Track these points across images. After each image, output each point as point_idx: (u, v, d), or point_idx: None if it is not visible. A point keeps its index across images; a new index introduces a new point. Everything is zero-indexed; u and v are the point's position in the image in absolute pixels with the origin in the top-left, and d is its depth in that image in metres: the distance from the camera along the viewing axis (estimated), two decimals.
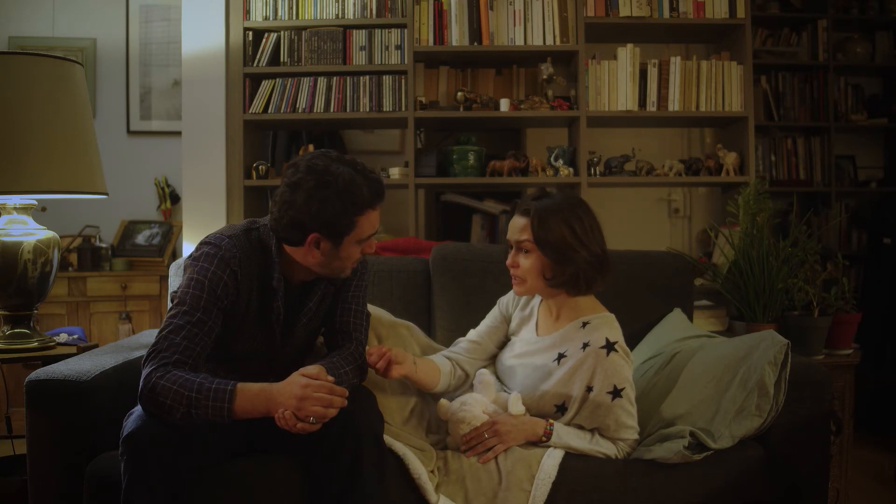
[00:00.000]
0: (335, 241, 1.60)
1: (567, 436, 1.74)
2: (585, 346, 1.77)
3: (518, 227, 1.81)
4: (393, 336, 1.98)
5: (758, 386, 1.72)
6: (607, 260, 1.81)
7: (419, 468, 1.65)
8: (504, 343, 2.00)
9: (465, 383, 1.95)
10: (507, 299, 2.02)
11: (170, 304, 1.63)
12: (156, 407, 1.46)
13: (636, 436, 1.77)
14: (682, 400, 1.82)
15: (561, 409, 1.79)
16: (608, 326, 1.80)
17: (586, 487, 1.67)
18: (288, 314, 1.70)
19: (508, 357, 1.94)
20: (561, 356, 1.81)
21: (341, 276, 1.70)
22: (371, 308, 1.94)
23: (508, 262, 1.84)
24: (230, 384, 1.48)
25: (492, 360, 2.00)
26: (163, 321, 1.59)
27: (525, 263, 1.80)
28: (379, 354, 1.70)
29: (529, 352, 1.89)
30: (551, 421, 1.76)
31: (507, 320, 2.00)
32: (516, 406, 1.76)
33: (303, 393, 1.48)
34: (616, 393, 1.73)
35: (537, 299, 1.95)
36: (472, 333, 2.01)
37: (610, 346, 1.75)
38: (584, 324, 1.82)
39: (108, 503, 1.59)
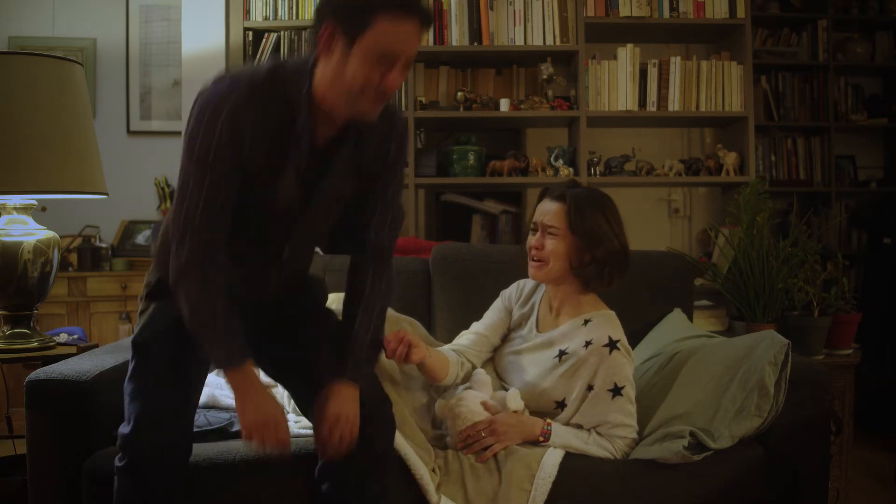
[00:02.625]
0: (348, 37, 1.34)
1: (565, 435, 1.74)
2: (588, 344, 1.77)
3: (551, 211, 1.81)
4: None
5: (758, 386, 1.72)
6: (630, 256, 1.83)
7: (421, 468, 1.65)
8: (506, 336, 2.00)
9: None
10: (509, 292, 2.03)
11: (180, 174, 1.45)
12: (181, 294, 1.42)
13: (635, 435, 1.77)
14: (681, 400, 1.82)
15: (561, 405, 1.80)
16: (610, 324, 1.81)
17: (586, 487, 1.67)
18: (309, 176, 1.48)
19: (508, 353, 1.94)
20: (562, 353, 1.81)
21: (358, 111, 1.41)
22: None
23: (533, 243, 1.83)
24: (242, 357, 1.45)
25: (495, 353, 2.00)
26: (174, 199, 1.45)
27: (551, 246, 1.80)
28: (398, 340, 1.68)
29: (529, 348, 1.89)
30: (549, 421, 1.76)
31: (509, 313, 2.00)
32: (515, 402, 1.76)
33: (265, 427, 1.45)
34: (616, 391, 1.73)
35: (538, 295, 1.96)
36: (477, 325, 2.01)
37: (612, 345, 1.75)
38: (586, 321, 1.82)
39: (107, 501, 1.59)
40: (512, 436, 1.72)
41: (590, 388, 1.75)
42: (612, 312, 1.85)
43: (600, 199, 1.84)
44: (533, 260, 1.84)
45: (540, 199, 1.88)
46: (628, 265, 1.83)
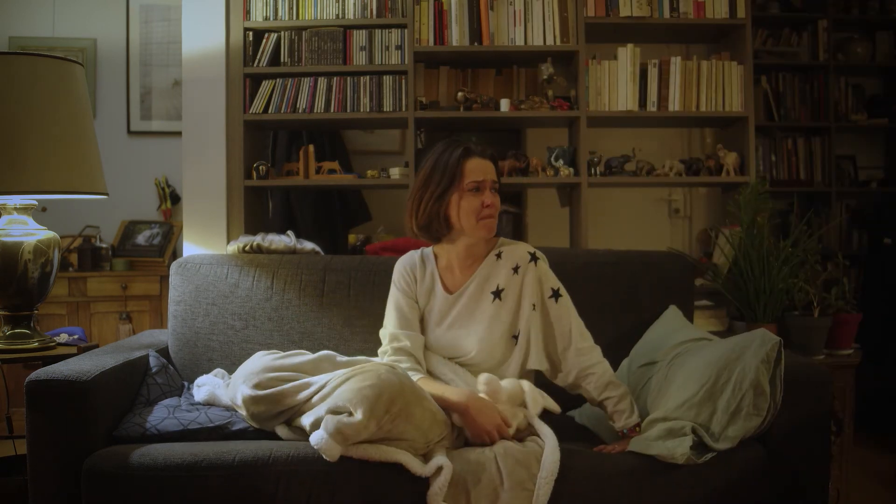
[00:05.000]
0: None
1: (630, 408, 1.84)
2: (516, 269, 1.91)
3: (490, 169, 1.91)
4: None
5: (753, 386, 1.71)
6: None
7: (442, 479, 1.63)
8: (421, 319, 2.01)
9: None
10: (402, 279, 2.01)
11: None
12: None
13: (586, 330, 1.92)
14: (677, 406, 1.80)
15: (516, 338, 1.90)
16: (518, 244, 1.97)
17: (586, 488, 1.67)
18: None
19: (445, 330, 1.94)
20: (498, 291, 1.91)
21: None
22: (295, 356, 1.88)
23: (490, 201, 1.88)
24: None
25: None
26: None
27: (496, 202, 1.91)
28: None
29: (462, 311, 1.93)
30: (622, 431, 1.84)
31: (416, 299, 1.99)
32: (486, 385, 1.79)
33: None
34: (556, 294, 1.90)
35: (431, 264, 2.00)
36: (399, 332, 1.94)
37: (532, 257, 1.93)
38: (498, 254, 1.95)
39: (106, 498, 1.59)
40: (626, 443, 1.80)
41: (534, 306, 1.88)
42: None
43: None
44: (489, 217, 1.89)
45: (465, 157, 1.88)
46: None
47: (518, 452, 1.69)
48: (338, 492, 1.63)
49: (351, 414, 1.60)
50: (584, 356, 1.89)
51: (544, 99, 3.21)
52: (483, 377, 1.81)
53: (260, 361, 1.83)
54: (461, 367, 1.93)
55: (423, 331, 1.98)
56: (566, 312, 1.92)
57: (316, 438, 1.61)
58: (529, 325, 1.90)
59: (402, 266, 2.03)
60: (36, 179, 2.09)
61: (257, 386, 1.75)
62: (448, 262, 1.99)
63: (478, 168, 1.88)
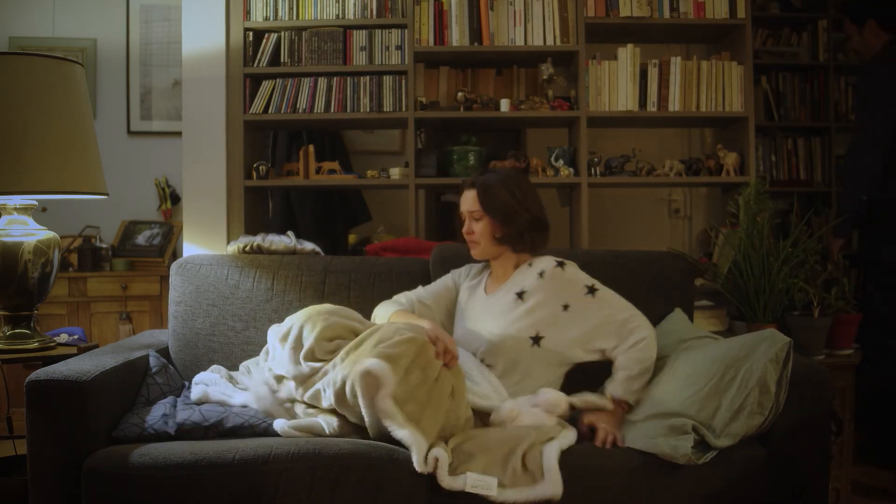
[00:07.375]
0: None
1: (626, 388, 1.91)
2: (541, 274, 2.02)
3: (469, 199, 2.07)
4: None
5: (759, 384, 1.71)
6: (546, 221, 2.10)
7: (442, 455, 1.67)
8: (451, 312, 2.16)
9: None
10: (459, 271, 2.23)
11: None
12: None
13: (644, 320, 1.99)
14: (682, 399, 1.81)
15: (536, 340, 1.96)
16: (550, 257, 2.07)
17: (586, 486, 1.67)
18: None
19: (467, 322, 2.07)
20: (521, 293, 2.00)
21: None
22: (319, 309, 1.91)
23: (465, 230, 2.08)
24: None
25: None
26: None
27: (478, 228, 2.05)
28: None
29: (484, 308, 2.05)
30: (612, 398, 1.90)
31: (456, 288, 2.18)
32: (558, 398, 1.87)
33: None
34: (591, 290, 2.00)
35: (486, 272, 2.16)
36: (423, 293, 2.16)
37: (560, 264, 2.03)
38: (530, 264, 2.07)
39: (106, 498, 1.59)
40: (616, 423, 1.85)
41: (565, 307, 1.98)
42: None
43: (506, 179, 2.06)
44: (472, 243, 2.08)
45: (461, 190, 2.10)
46: (545, 230, 2.10)
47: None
48: (338, 489, 1.63)
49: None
50: (626, 353, 1.95)
51: (544, 99, 3.21)
52: (506, 406, 1.85)
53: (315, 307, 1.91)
54: (487, 369, 1.98)
55: (453, 325, 2.13)
56: (605, 301, 2.01)
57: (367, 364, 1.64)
58: (558, 326, 1.98)
59: (467, 264, 2.21)
60: (36, 179, 2.09)
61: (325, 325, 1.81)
62: (494, 274, 2.14)
63: (462, 200, 2.08)
